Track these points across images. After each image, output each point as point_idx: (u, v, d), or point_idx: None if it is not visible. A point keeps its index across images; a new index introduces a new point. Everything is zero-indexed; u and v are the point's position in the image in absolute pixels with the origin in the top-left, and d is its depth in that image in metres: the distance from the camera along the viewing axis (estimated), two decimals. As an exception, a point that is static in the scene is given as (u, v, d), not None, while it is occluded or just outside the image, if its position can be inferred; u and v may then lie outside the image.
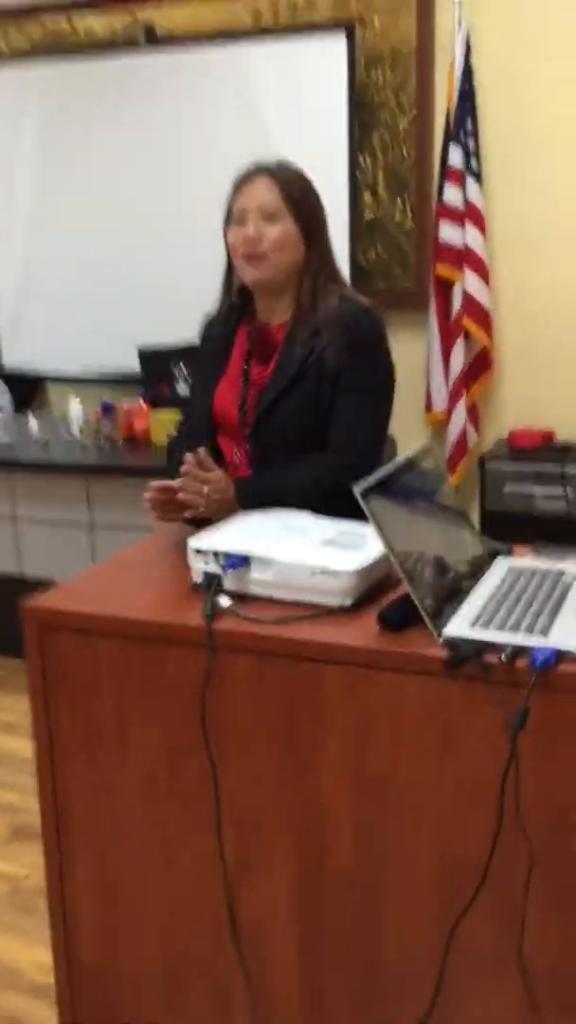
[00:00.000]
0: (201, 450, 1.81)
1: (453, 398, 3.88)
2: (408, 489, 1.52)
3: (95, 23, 4.60)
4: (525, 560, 1.66)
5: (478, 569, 1.59)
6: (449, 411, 3.91)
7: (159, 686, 1.52)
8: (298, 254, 1.90)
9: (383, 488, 1.43)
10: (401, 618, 1.41)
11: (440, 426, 4.04)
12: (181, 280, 4.09)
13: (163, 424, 3.40)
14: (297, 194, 1.88)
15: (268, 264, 1.89)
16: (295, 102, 4.14)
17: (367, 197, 4.32)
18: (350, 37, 4.00)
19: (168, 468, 2.10)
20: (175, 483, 1.77)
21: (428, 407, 4.17)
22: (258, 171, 1.92)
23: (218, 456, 1.98)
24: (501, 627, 1.37)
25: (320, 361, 1.86)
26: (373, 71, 4.21)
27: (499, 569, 1.61)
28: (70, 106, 4.47)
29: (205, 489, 1.75)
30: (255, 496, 1.81)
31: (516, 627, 1.37)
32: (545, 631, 1.36)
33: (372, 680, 1.39)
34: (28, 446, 3.60)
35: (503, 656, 1.30)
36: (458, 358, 3.88)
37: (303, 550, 1.54)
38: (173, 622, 1.49)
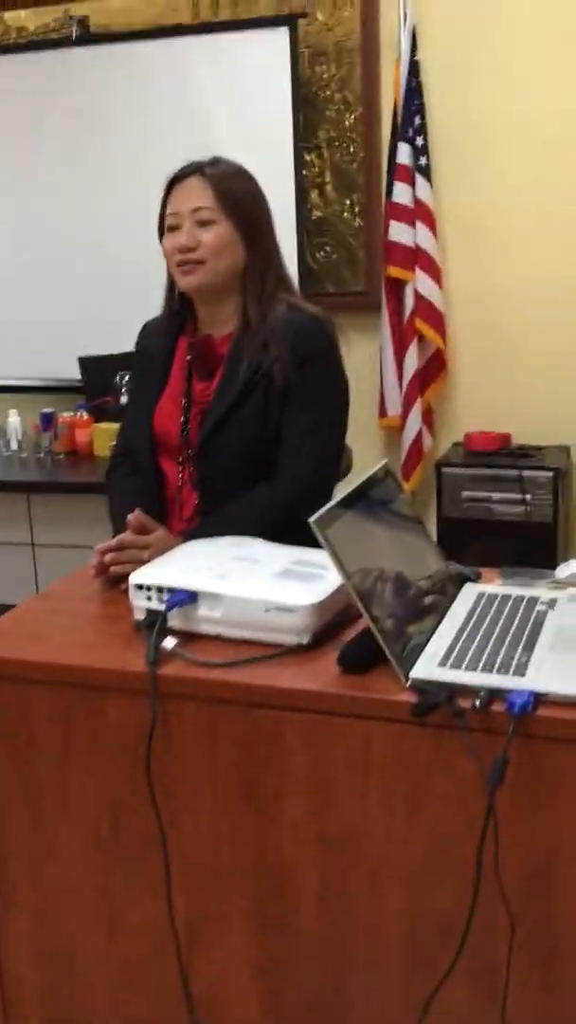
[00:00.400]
0: (139, 514, 1.69)
1: (408, 402, 3.78)
2: (366, 510, 1.40)
3: (27, 18, 4.44)
4: (494, 586, 1.55)
5: (442, 585, 1.48)
6: (404, 416, 3.80)
7: (101, 737, 1.39)
8: (238, 258, 1.76)
9: (338, 514, 1.31)
10: (364, 658, 1.29)
11: (395, 431, 3.93)
12: (121, 283, 3.93)
13: (107, 436, 3.25)
14: (235, 193, 1.75)
15: (204, 270, 1.75)
16: (237, 98, 4.01)
17: (314, 196, 4.21)
18: (293, 31, 3.88)
19: (107, 492, 1.97)
20: (114, 543, 1.65)
21: (382, 412, 4.06)
22: (190, 171, 1.78)
23: (160, 478, 1.85)
24: (473, 667, 1.26)
25: (268, 376, 1.74)
26: (317, 66, 4.09)
27: (467, 597, 1.50)
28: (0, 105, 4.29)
29: (145, 555, 1.63)
30: None
31: (489, 666, 1.25)
32: (521, 670, 1.24)
33: (334, 728, 1.27)
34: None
35: (477, 702, 1.19)
36: (412, 361, 3.78)
37: (255, 583, 1.41)
38: (112, 667, 1.36)
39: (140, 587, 1.44)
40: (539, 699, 1.19)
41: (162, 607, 1.41)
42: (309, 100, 4.10)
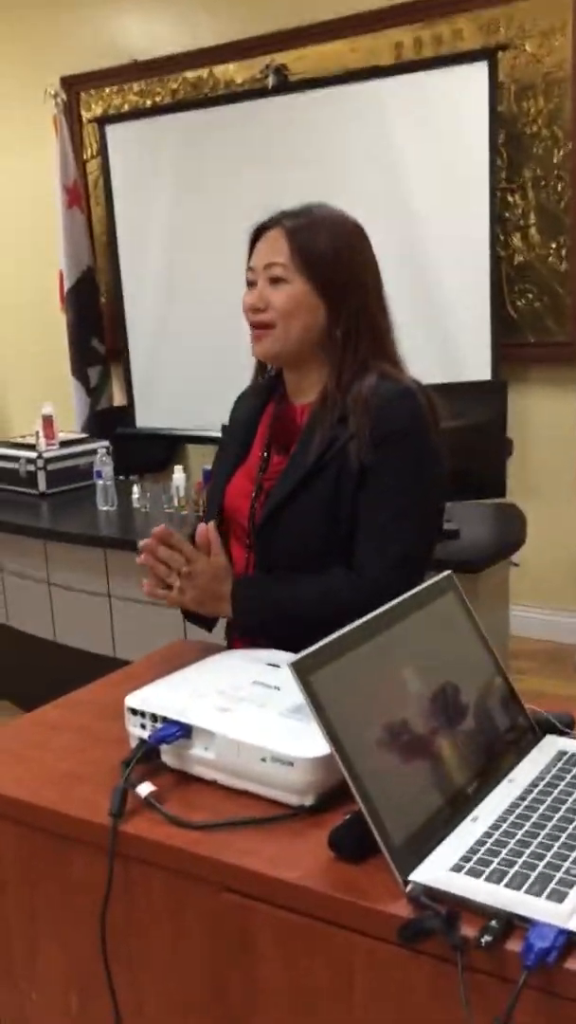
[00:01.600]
0: (212, 529, 1.50)
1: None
2: (401, 640, 1.10)
3: (235, 71, 4.42)
4: (587, 741, 1.20)
5: (507, 740, 1.15)
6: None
7: (67, 894, 1.16)
8: (315, 320, 1.51)
9: (342, 650, 1.02)
10: (362, 841, 0.99)
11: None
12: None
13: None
14: (316, 247, 1.49)
15: (274, 336, 1.52)
16: (433, 138, 3.77)
17: (516, 239, 3.87)
18: (492, 64, 3.58)
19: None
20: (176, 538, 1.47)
21: (583, 476, 3.66)
22: (270, 223, 1.55)
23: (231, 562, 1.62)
24: (500, 875, 0.92)
25: (343, 455, 1.47)
26: (524, 101, 3.78)
27: (541, 757, 1.15)
28: (200, 159, 4.29)
29: (183, 570, 1.44)
30: (252, 601, 1.48)
31: (523, 877, 0.92)
32: (563, 892, 0.90)
33: (315, 933, 0.97)
34: (124, 519, 3.36)
35: (484, 938, 0.86)
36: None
37: (258, 722, 1.14)
38: (79, 815, 1.13)
39: (134, 712, 1.21)
40: (572, 940, 0.85)
41: (160, 733, 1.17)
42: (514, 137, 3.79)
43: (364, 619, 1.08)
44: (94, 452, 3.60)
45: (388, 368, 1.53)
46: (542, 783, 1.09)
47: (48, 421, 3.72)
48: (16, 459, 3.71)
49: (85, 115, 4.95)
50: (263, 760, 1.10)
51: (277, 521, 1.51)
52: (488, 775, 1.10)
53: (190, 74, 4.55)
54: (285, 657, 1.30)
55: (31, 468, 3.64)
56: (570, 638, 3.94)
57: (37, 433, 3.76)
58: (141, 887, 1.09)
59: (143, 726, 1.20)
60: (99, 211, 4.92)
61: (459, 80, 3.69)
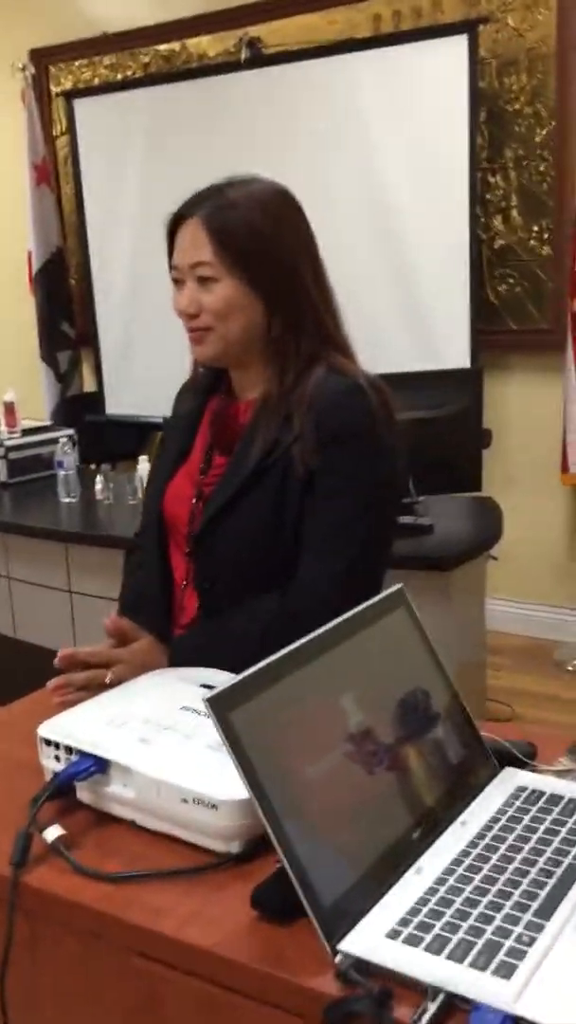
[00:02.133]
0: (116, 618, 1.37)
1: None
2: (341, 664, 0.98)
3: (208, 44, 4.26)
4: (549, 775, 1.08)
5: (458, 775, 1.03)
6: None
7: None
8: (254, 317, 1.36)
9: (267, 681, 0.90)
10: (289, 900, 0.87)
11: None
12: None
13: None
14: (240, 239, 1.33)
15: (212, 339, 1.38)
16: (410, 114, 3.63)
17: (497, 222, 3.74)
18: (472, 38, 3.44)
19: (123, 578, 1.65)
20: (84, 653, 1.32)
21: (564, 467, 3.54)
22: (185, 211, 1.38)
23: (169, 572, 1.49)
24: (442, 942, 0.81)
25: (287, 458, 1.34)
26: (506, 77, 3.63)
27: (497, 793, 1.04)
28: (171, 135, 4.14)
29: (108, 677, 1.28)
30: (187, 663, 1.32)
31: (468, 944, 0.80)
32: (511, 964, 0.78)
33: (234, 1009, 0.85)
34: (86, 512, 3.23)
35: (422, 1016, 0.75)
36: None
37: (180, 757, 1.02)
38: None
39: (48, 742, 1.09)
40: (521, 1030, 0.73)
41: (71, 768, 1.05)
42: (495, 115, 3.65)
43: (298, 643, 0.96)
44: (57, 441, 3.46)
45: (337, 360, 1.39)
46: (497, 826, 0.98)
47: (10, 408, 3.58)
48: (-25, 448, 3.57)
49: (55, 89, 4.79)
50: (184, 801, 0.98)
51: (216, 529, 1.38)
52: (436, 817, 0.98)
53: (162, 47, 4.39)
54: (223, 679, 1.18)
55: (-8, 457, 3.51)
56: (548, 633, 3.83)
57: (-3, 421, 3.62)
58: (46, 945, 0.97)
59: (57, 758, 1.08)
60: (68, 189, 4.76)
61: (438, 55, 3.54)
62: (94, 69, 4.65)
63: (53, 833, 1.00)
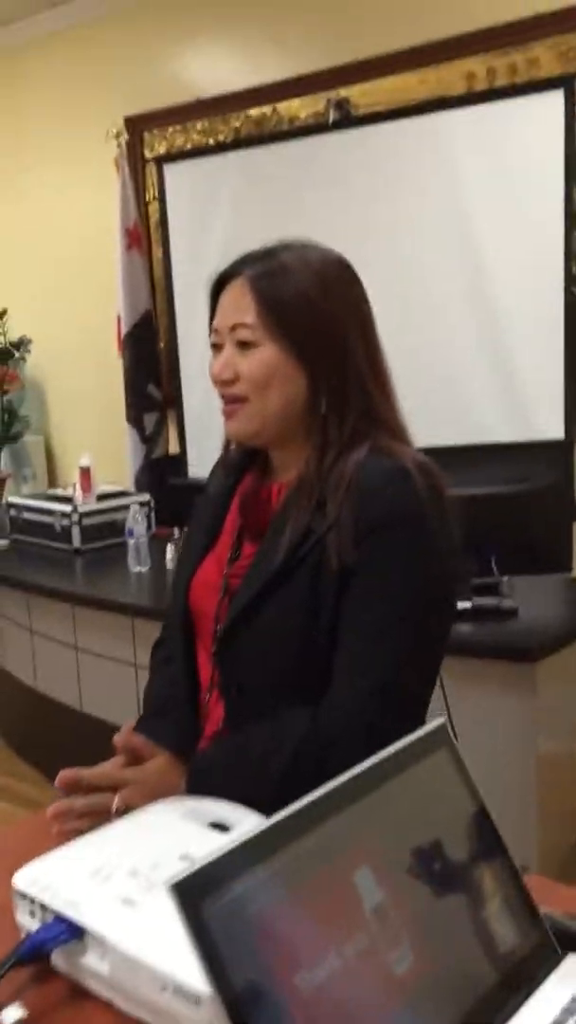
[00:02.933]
0: (129, 734, 1.23)
1: None
2: (348, 837, 0.80)
3: (299, 107, 4.21)
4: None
5: (514, 968, 0.83)
6: None
7: None
8: (295, 390, 1.22)
9: (262, 859, 0.73)
10: None
11: None
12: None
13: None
14: (287, 304, 1.20)
15: (247, 413, 1.24)
16: (502, 171, 3.48)
17: (596, 285, 3.53)
18: (569, 93, 3.28)
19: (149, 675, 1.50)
20: (89, 774, 1.17)
21: None
22: (232, 271, 1.26)
23: (196, 672, 1.34)
24: None
25: (321, 550, 1.17)
26: (606, 132, 3.45)
27: (562, 990, 0.83)
28: (259, 199, 4.07)
29: (115, 804, 1.13)
30: (205, 786, 1.16)
31: None
32: None
33: None
34: (155, 582, 3.11)
35: None
36: None
37: (164, 928, 0.85)
38: None
39: (23, 896, 0.93)
40: None
41: (40, 934, 0.89)
42: (595, 172, 3.46)
43: (303, 802, 0.78)
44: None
45: (383, 440, 1.23)
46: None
47: (85, 473, 3.52)
48: (52, 512, 3.51)
49: (148, 155, 4.81)
50: (163, 989, 0.80)
51: (242, 629, 1.22)
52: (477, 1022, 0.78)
53: (253, 111, 4.37)
54: (237, 816, 1.01)
55: (66, 523, 3.44)
56: None
57: (75, 485, 3.56)
58: None
59: (32, 914, 0.92)
60: (157, 253, 4.75)
61: (533, 111, 3.39)
62: (187, 135, 4.65)
63: (11, 1015, 0.83)
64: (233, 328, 1.23)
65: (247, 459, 1.37)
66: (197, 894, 0.68)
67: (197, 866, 0.69)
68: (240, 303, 1.22)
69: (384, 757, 0.86)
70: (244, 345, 1.22)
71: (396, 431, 1.25)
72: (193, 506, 1.47)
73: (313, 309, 1.20)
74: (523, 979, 0.84)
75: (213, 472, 1.46)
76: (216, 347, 1.27)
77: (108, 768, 1.19)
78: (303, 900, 0.74)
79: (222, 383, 1.25)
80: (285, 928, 0.71)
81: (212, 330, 1.28)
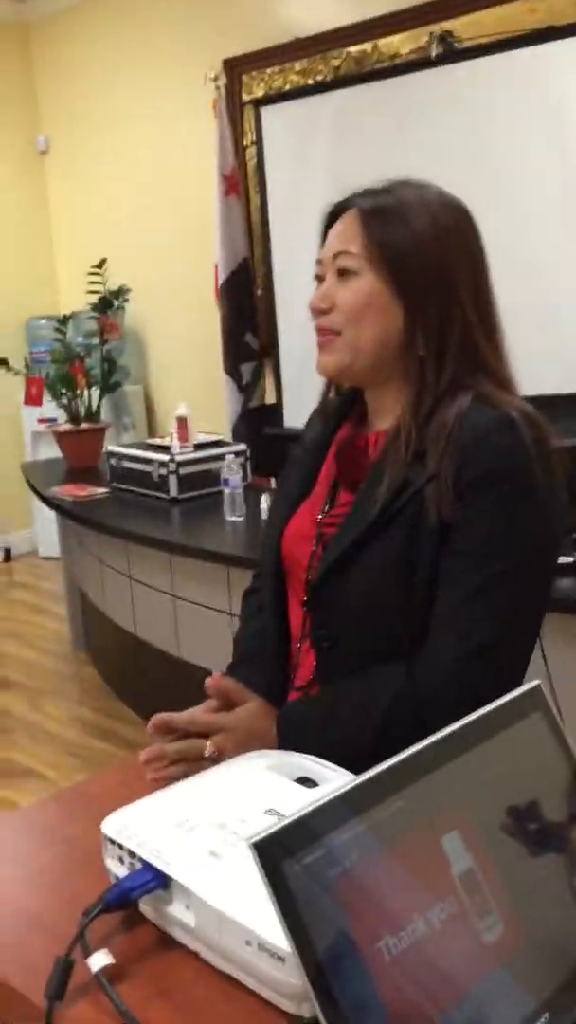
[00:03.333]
0: (220, 678, 1.22)
1: None
2: (438, 800, 0.77)
3: (400, 43, 4.08)
4: None
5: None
6: None
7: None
8: (391, 325, 1.18)
9: (347, 820, 0.71)
10: None
11: None
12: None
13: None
14: (395, 235, 1.16)
15: (340, 346, 1.20)
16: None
17: None
18: None
19: (239, 623, 1.49)
20: (181, 719, 1.16)
21: None
22: (346, 203, 1.23)
23: (287, 622, 1.32)
24: None
25: (419, 503, 1.13)
26: None
27: None
28: (357, 140, 3.96)
29: (207, 749, 1.12)
30: (296, 737, 1.15)
31: None
32: None
33: None
34: (250, 531, 3.10)
35: None
36: None
37: (250, 882, 0.84)
38: (16, 983, 0.87)
39: (112, 841, 0.94)
40: None
41: (128, 881, 0.89)
42: None
43: (391, 762, 0.76)
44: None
45: (489, 388, 1.18)
46: None
47: (182, 423, 3.52)
48: (150, 462, 3.53)
49: (246, 98, 4.73)
50: (248, 944, 0.80)
51: (335, 580, 1.19)
52: (571, 997, 0.75)
53: (353, 49, 4.24)
54: (325, 773, 1.00)
55: (163, 472, 3.46)
56: None
57: (172, 435, 3.57)
58: None
59: (121, 860, 0.93)
60: (255, 199, 4.69)
61: None
62: (285, 76, 4.56)
63: (99, 961, 0.84)
64: (336, 256, 1.20)
65: (345, 408, 1.34)
66: (279, 854, 0.67)
67: (279, 825, 0.68)
68: (347, 233, 1.19)
69: (477, 718, 0.82)
70: (344, 274, 1.19)
71: (502, 381, 1.20)
72: (288, 456, 1.45)
73: (421, 248, 1.16)
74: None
75: (310, 421, 1.42)
76: (319, 279, 1.24)
77: (199, 712, 1.19)
78: (388, 864, 0.71)
79: (317, 311, 1.21)
80: (369, 892, 0.69)
81: (317, 261, 1.24)
